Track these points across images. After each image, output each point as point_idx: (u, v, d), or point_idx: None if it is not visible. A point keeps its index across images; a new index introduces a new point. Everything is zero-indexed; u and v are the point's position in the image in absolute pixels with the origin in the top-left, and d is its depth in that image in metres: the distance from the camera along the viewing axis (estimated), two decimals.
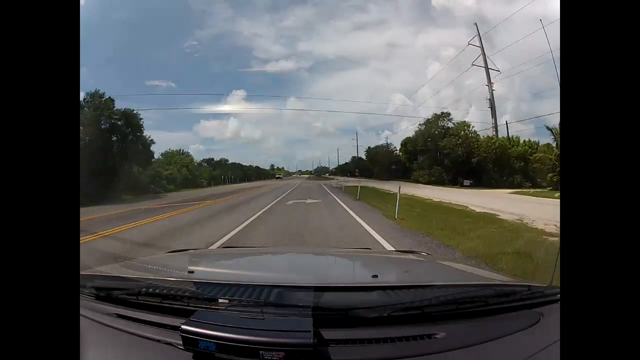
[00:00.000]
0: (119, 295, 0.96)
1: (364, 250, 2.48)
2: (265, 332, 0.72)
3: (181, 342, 0.74)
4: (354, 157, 23.75)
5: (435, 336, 0.80)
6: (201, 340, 0.72)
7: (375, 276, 1.14)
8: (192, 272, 1.21)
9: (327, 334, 0.76)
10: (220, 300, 0.85)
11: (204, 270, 1.39)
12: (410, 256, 1.78)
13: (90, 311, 0.89)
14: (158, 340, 0.79)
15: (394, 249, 2.29)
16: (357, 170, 35.40)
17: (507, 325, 0.85)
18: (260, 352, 0.69)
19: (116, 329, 0.85)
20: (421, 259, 1.72)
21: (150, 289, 0.92)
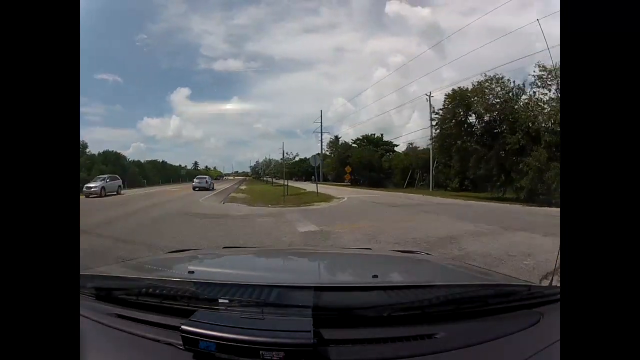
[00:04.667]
0: (119, 295, 0.96)
1: (364, 250, 2.48)
2: (265, 332, 0.73)
3: (181, 342, 0.74)
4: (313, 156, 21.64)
5: (435, 336, 0.80)
6: (201, 340, 0.72)
7: (375, 276, 1.14)
8: (192, 272, 1.21)
9: (327, 334, 0.76)
10: (220, 300, 0.85)
11: (204, 270, 1.39)
12: (410, 256, 1.78)
13: (90, 311, 0.89)
14: (158, 340, 0.79)
15: (394, 249, 2.29)
16: (349, 172, 32.20)
17: (507, 325, 0.85)
18: (261, 352, 0.69)
19: (116, 329, 0.85)
20: (421, 259, 1.73)
21: (150, 289, 0.92)
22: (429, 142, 25.52)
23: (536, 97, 16.17)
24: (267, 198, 17.46)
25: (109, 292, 0.97)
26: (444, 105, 19.50)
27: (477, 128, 18.46)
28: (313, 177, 37.48)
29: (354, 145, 37.39)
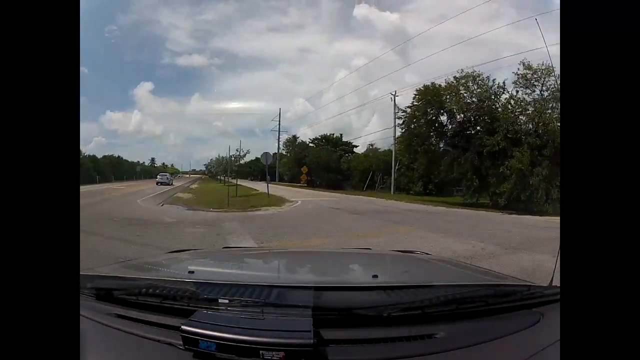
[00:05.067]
0: (119, 295, 0.96)
1: (364, 250, 2.48)
2: (265, 332, 0.73)
3: (181, 342, 0.74)
4: (263, 155, 18.64)
5: (435, 336, 0.80)
6: (201, 340, 0.72)
7: (375, 276, 1.14)
8: (192, 272, 1.21)
9: (327, 334, 0.76)
10: (220, 300, 0.85)
11: (204, 270, 1.39)
12: (410, 256, 1.78)
13: (90, 311, 0.89)
14: (158, 340, 0.79)
15: (394, 249, 2.29)
16: (305, 172, 29.70)
17: (507, 325, 0.85)
18: (261, 352, 0.69)
19: (116, 329, 0.85)
20: (421, 258, 1.72)
21: (150, 289, 0.92)
22: (392, 143, 23.83)
23: (518, 96, 15.20)
24: (212, 200, 15.34)
25: (109, 292, 0.97)
26: (413, 102, 17.56)
27: (448, 128, 17.01)
28: (268, 177, 36.70)
29: (311, 144, 35.65)
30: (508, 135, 14.34)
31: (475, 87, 15.83)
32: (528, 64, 14.71)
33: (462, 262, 1.83)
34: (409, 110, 17.71)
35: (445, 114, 16.83)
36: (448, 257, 2.00)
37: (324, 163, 29.85)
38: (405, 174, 24.17)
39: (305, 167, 30.34)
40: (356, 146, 35.23)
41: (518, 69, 14.91)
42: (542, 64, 14.40)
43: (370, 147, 31.35)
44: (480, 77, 15.86)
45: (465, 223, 9.70)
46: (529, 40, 14.36)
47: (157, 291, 0.91)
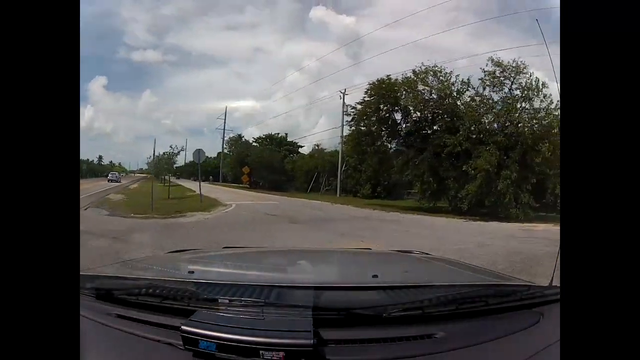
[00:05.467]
0: (119, 295, 0.96)
1: (364, 250, 2.48)
2: (265, 332, 0.73)
3: (181, 342, 0.74)
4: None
5: (435, 336, 0.80)
6: (201, 340, 0.72)
7: (375, 276, 1.14)
8: (192, 272, 1.21)
9: (327, 334, 0.76)
10: (220, 300, 0.85)
11: (204, 270, 1.39)
12: (410, 256, 1.78)
13: (90, 311, 0.89)
14: (158, 340, 0.79)
15: (394, 249, 2.29)
16: (247, 172, 27.58)
17: (507, 325, 0.85)
18: (261, 352, 0.69)
19: (116, 329, 0.85)
20: (421, 258, 1.72)
21: (150, 289, 0.92)
22: (339, 142, 21.28)
23: (485, 93, 13.69)
24: (141, 202, 13.46)
25: (109, 292, 0.97)
26: (364, 97, 15.48)
27: (402, 127, 15.24)
28: (211, 177, 32.53)
29: (255, 144, 33.15)
30: (471, 134, 13.13)
31: (436, 83, 14.14)
32: (498, 61, 13.35)
33: (462, 262, 1.83)
34: (359, 106, 15.72)
35: (399, 111, 15.15)
36: (448, 257, 2.00)
37: (266, 163, 27.78)
38: (352, 176, 22.65)
39: (247, 167, 28.19)
40: (301, 146, 33.11)
41: (487, 65, 13.51)
42: (513, 62, 13.19)
43: (316, 147, 29.52)
44: (442, 72, 14.19)
45: (430, 235, 8.17)
46: (489, 47, 13.29)
47: (157, 291, 0.91)
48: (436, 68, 14.16)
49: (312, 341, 0.69)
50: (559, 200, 13.57)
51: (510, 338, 0.81)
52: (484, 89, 13.74)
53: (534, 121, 12.63)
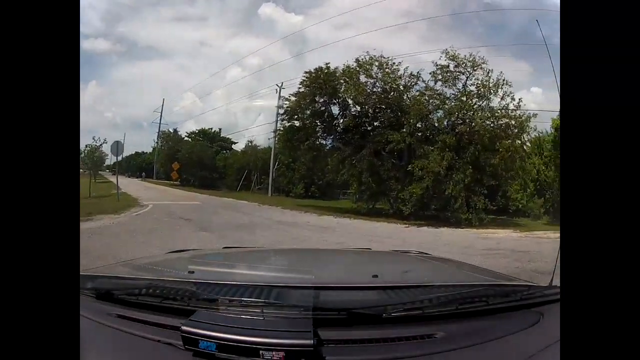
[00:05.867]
0: (119, 295, 0.95)
1: (364, 250, 2.48)
2: (265, 332, 0.73)
3: (181, 342, 0.74)
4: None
5: (435, 336, 0.80)
6: (201, 340, 0.72)
7: (375, 276, 1.14)
8: (192, 272, 1.21)
9: (327, 334, 0.76)
10: (220, 300, 0.85)
11: (204, 270, 1.39)
12: (411, 256, 1.78)
13: (90, 311, 0.89)
14: (158, 340, 0.79)
15: (394, 249, 2.30)
16: (176, 169, 25.12)
17: (507, 325, 0.85)
18: (261, 352, 0.69)
19: (116, 329, 0.85)
20: (421, 258, 1.72)
21: (150, 289, 0.92)
22: (272, 138, 18.77)
23: (436, 88, 12.29)
24: None
25: (109, 292, 0.97)
26: (299, 88, 13.71)
27: (339, 122, 13.72)
28: (144, 173, 30.77)
29: (187, 138, 30.62)
30: (418, 132, 11.99)
31: (381, 75, 12.56)
32: (453, 54, 11.90)
33: (462, 262, 1.83)
34: (293, 98, 13.91)
35: (338, 105, 13.66)
36: (448, 257, 2.00)
37: (197, 159, 25.56)
38: (285, 174, 21.07)
39: (176, 163, 25.73)
40: (235, 142, 30.46)
41: (440, 58, 12.07)
42: (470, 56, 11.83)
43: (249, 143, 27.17)
44: (389, 64, 12.58)
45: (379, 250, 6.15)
46: (437, 55, 12.16)
47: (157, 291, 0.91)
48: (383, 59, 12.61)
49: (312, 341, 0.69)
50: (510, 203, 13.33)
51: (510, 338, 0.81)
52: (435, 83, 12.31)
53: (490, 120, 11.54)
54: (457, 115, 11.61)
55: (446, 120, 12.11)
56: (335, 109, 13.85)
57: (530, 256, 5.87)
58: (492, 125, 11.51)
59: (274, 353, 0.69)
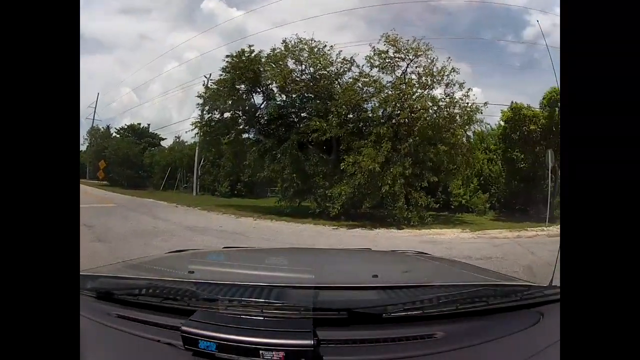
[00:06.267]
0: (119, 295, 0.96)
1: (364, 250, 2.48)
2: (265, 332, 0.73)
3: (181, 342, 0.74)
4: None
5: (435, 336, 0.80)
6: (201, 340, 0.72)
7: (375, 276, 1.14)
8: (192, 272, 1.21)
9: (327, 334, 0.76)
10: (220, 300, 0.85)
11: (204, 270, 1.39)
12: (410, 256, 1.78)
13: (90, 311, 0.89)
14: (158, 340, 0.79)
15: (393, 249, 2.30)
16: (102, 167, 22.95)
17: (507, 325, 0.85)
18: (261, 352, 0.69)
19: (116, 329, 0.85)
20: (421, 258, 1.72)
21: (151, 289, 0.92)
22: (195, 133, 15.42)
23: (371, 74, 10.76)
24: None
25: (109, 292, 0.97)
26: (220, 75, 12.02)
27: (263, 113, 12.25)
28: None
29: (116, 135, 28.34)
30: (349, 123, 10.61)
31: (312, 61, 10.99)
32: (394, 38, 10.42)
33: (462, 262, 1.83)
34: (214, 86, 12.23)
35: (262, 94, 12.10)
36: (448, 257, 2.00)
37: (123, 157, 23.57)
38: (210, 171, 19.50)
39: (103, 161, 23.70)
40: (164, 138, 28.21)
41: (379, 42, 10.61)
42: (413, 41, 10.46)
43: (177, 139, 25.52)
44: (321, 47, 11.04)
45: None
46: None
47: (157, 291, 0.91)
48: (313, 42, 11.04)
49: (312, 341, 0.69)
50: (452, 199, 12.92)
51: (510, 338, 0.81)
52: (371, 69, 10.72)
53: (433, 110, 10.29)
54: (395, 104, 10.27)
55: (382, 110, 10.70)
56: (259, 98, 12.29)
57: (496, 264, 4.80)
58: (435, 115, 10.34)
59: (274, 353, 0.69)
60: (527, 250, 6.18)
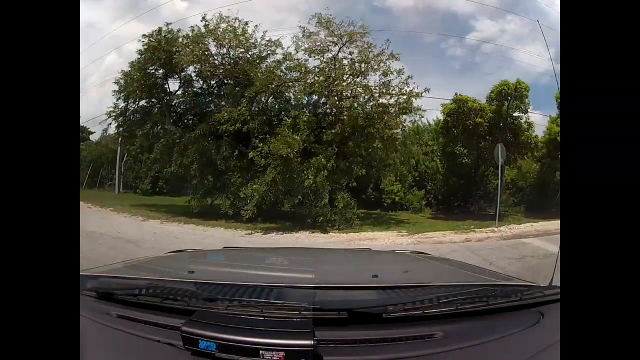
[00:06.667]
0: (119, 295, 0.96)
1: (363, 250, 2.48)
2: (265, 332, 0.73)
3: (181, 342, 0.74)
4: None
5: (435, 336, 0.80)
6: (201, 340, 0.72)
7: (375, 276, 1.14)
8: (192, 272, 1.21)
9: (327, 334, 0.76)
10: (220, 300, 0.85)
11: (204, 270, 1.39)
12: (410, 256, 1.78)
13: (90, 311, 0.89)
14: (158, 341, 0.79)
15: (393, 249, 2.30)
16: None
17: (507, 325, 0.85)
18: (261, 352, 0.69)
19: (116, 329, 0.85)
20: (421, 258, 1.72)
21: (151, 289, 0.92)
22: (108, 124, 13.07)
23: (297, 57, 9.45)
24: None
25: (109, 292, 0.97)
26: (136, 58, 10.50)
27: (179, 102, 11.01)
28: None
29: None
30: (267, 110, 9.58)
31: (235, 42, 9.66)
32: (327, 19, 9.15)
33: (462, 262, 1.83)
34: (128, 70, 10.66)
35: (179, 80, 10.72)
36: (448, 257, 2.00)
37: None
38: (133, 167, 17.90)
39: None
40: (92, 132, 23.69)
41: (309, 22, 9.27)
42: (349, 25, 9.17)
43: (104, 133, 21.89)
44: (242, 27, 9.70)
45: None
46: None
47: (157, 291, 0.91)
48: (237, 22, 9.70)
49: (312, 341, 0.69)
50: (385, 196, 11.55)
51: (510, 338, 0.81)
52: (297, 52, 9.40)
53: (365, 98, 9.12)
54: (321, 91, 9.08)
55: (306, 97, 9.53)
56: (175, 85, 10.81)
57: None
58: (367, 105, 9.17)
59: (274, 353, 0.69)
60: (482, 259, 4.98)
